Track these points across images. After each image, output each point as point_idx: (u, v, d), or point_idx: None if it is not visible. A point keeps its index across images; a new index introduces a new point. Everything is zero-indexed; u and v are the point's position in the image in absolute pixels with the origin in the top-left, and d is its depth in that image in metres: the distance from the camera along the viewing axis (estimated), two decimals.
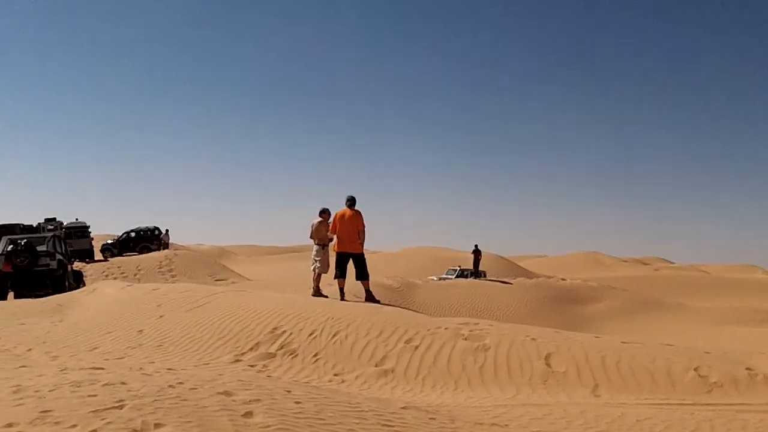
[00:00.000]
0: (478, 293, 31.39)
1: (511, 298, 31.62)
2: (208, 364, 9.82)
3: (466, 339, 9.66)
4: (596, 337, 10.78)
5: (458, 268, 40.84)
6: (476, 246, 38.89)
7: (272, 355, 10.07)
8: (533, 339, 9.55)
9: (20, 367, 8.82)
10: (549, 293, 33.71)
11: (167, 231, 48.48)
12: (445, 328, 10.10)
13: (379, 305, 12.88)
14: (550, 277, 43.57)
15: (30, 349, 11.27)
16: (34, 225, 46.87)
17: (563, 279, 41.59)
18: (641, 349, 9.28)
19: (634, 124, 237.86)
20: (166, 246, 47.36)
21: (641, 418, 6.98)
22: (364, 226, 13.73)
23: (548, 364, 8.86)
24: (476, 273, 38.26)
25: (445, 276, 40.04)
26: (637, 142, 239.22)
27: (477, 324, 10.45)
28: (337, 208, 13.96)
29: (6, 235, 31.15)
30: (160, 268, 38.64)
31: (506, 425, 6.55)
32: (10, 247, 23.56)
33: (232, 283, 36.04)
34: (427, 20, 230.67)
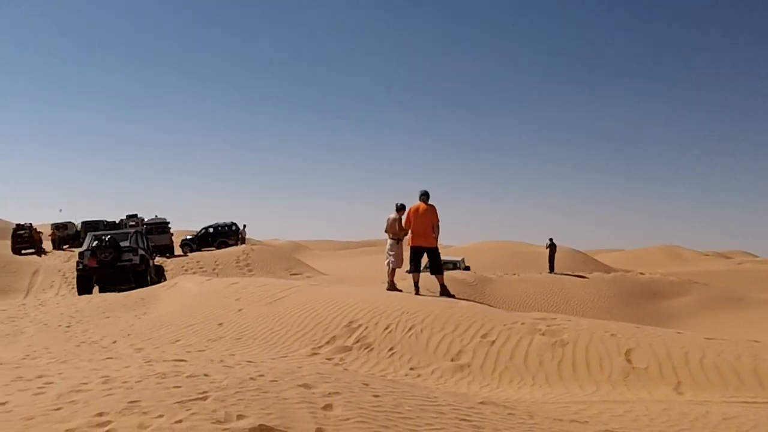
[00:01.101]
0: (554, 288, 30.98)
1: (588, 293, 31.10)
2: (286, 356, 9.96)
3: (543, 334, 9.57)
4: (678, 332, 10.52)
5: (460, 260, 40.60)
6: (551, 240, 38.41)
7: (348, 349, 10.16)
8: (612, 335, 9.38)
9: (107, 358, 9.12)
10: (627, 288, 33.01)
11: (244, 226, 49.27)
12: (522, 323, 10.01)
13: (454, 300, 12.86)
14: (627, 272, 42.67)
15: (115, 341, 11.65)
16: (117, 221, 48.40)
17: (641, 273, 40.62)
18: (726, 346, 9.00)
19: (719, 114, 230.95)
20: (243, 241, 48.12)
21: (727, 416, 6.78)
22: (438, 221, 13.69)
23: (629, 361, 8.69)
24: (551, 267, 37.78)
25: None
26: (719, 133, 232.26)
27: (554, 319, 10.33)
28: (411, 203, 13.97)
29: (90, 231, 32.24)
30: (237, 262, 39.30)
31: (586, 422, 6.46)
32: (95, 243, 24.29)
33: (307, 277, 36.44)
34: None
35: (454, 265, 39.41)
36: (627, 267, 58.23)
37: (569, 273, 36.88)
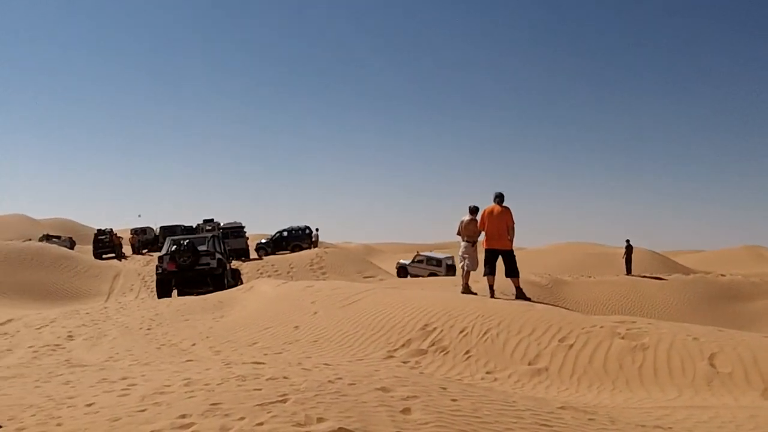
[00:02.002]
0: (632, 290, 30.35)
1: (667, 296, 30.37)
2: (362, 359, 9.99)
3: (622, 338, 9.36)
4: (765, 336, 10.16)
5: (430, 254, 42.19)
6: (628, 241, 37.74)
7: (424, 352, 10.13)
8: (695, 338, 9.12)
9: (187, 361, 9.31)
10: (707, 290, 32.09)
11: (317, 230, 49.74)
12: (601, 327, 9.82)
13: (530, 303, 12.71)
14: (707, 273, 41.53)
15: (194, 344, 11.87)
16: (194, 226, 49.42)
17: (722, 275, 39.46)
18: None
19: None
20: (316, 244, 48.57)
21: None
22: (513, 222, 13.56)
23: (712, 365, 8.44)
24: (628, 269, 37.07)
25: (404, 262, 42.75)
26: None
27: (634, 322, 10.11)
28: (484, 205, 13.87)
29: (168, 236, 32.96)
30: (311, 265, 39.68)
31: (670, 428, 6.30)
32: (173, 248, 24.82)
33: (380, 280, 36.52)
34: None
35: (438, 263, 40.22)
36: (707, 268, 56.74)
37: (647, 275, 36.10)
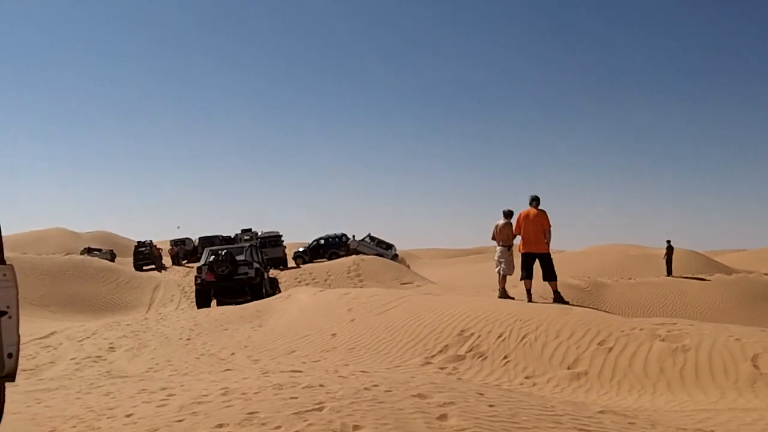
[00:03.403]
0: (673, 291, 29.95)
1: (709, 296, 29.90)
2: (399, 366, 9.98)
3: (663, 340, 9.23)
4: None
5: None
6: (668, 242, 37.30)
7: (461, 358, 10.09)
8: (737, 339, 8.96)
9: (226, 370, 9.39)
10: (750, 289, 31.52)
11: (354, 237, 49.82)
12: (640, 329, 9.70)
13: (568, 306, 12.59)
14: (750, 272, 40.82)
15: (233, 353, 11.96)
16: (232, 236, 49.83)
17: (766, 274, 38.78)
18: None
19: None
20: (353, 252, 48.66)
21: None
22: (549, 225, 13.46)
23: (756, 366, 8.27)
24: (669, 270, 36.61)
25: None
26: None
27: (674, 324, 9.96)
28: (518, 209, 13.80)
29: (207, 246, 33.25)
30: (348, 273, 39.73)
31: (711, 431, 6.19)
32: (212, 258, 25.01)
33: (417, 286, 36.45)
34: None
35: (387, 247, 44.91)
36: (750, 267, 55.70)
37: (688, 276, 35.58)
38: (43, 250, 53.76)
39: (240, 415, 5.02)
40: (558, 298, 13.77)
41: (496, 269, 14.45)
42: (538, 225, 13.38)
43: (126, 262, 51.44)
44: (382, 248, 47.85)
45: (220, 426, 4.81)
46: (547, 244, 13.53)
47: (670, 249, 37.32)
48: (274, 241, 45.94)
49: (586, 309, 13.15)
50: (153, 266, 48.45)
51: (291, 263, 46.56)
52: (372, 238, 49.06)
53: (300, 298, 17.38)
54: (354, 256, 45.49)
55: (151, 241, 50.43)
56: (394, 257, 46.93)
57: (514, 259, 14.19)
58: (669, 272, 36.42)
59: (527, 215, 13.49)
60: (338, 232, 50.29)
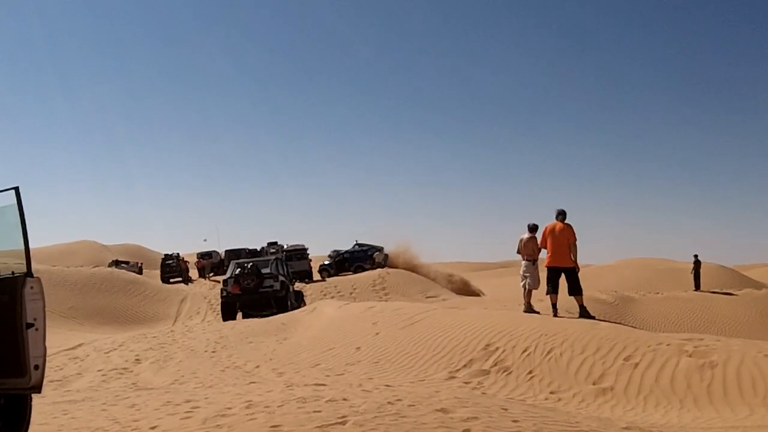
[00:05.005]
0: (700, 306, 29.62)
1: (737, 311, 29.53)
2: (423, 380, 9.95)
3: (690, 355, 9.13)
4: None
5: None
6: (696, 257, 36.95)
7: (486, 372, 10.04)
8: (766, 355, 8.84)
9: (250, 383, 9.41)
10: None
11: (382, 250, 49.73)
12: (667, 344, 9.60)
13: (595, 321, 12.50)
14: None
15: (258, 366, 11.99)
16: (258, 249, 50.03)
17: None
18: None
19: None
20: (379, 265, 48.59)
21: None
22: (575, 239, 13.37)
23: None
24: (697, 285, 36.26)
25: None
26: None
27: (702, 339, 9.85)
28: (543, 223, 13.72)
29: (233, 259, 33.40)
30: (373, 286, 39.71)
31: None
32: (237, 271, 25.12)
33: (443, 300, 36.35)
34: None
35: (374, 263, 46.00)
36: None
37: (716, 290, 35.20)
38: (72, 263, 54.29)
39: (263, 429, 5.03)
40: (584, 313, 13.64)
41: (522, 284, 14.37)
42: (563, 239, 13.29)
43: (153, 275, 51.83)
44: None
45: None
46: (573, 258, 13.44)
47: (697, 263, 36.94)
48: (299, 254, 46.05)
49: (613, 324, 13.01)
50: (180, 279, 48.77)
51: (316, 276, 46.65)
52: (361, 246, 49.57)
53: (325, 312, 17.39)
54: (379, 269, 45.45)
55: (178, 254, 50.80)
56: (385, 258, 47.60)
57: (540, 274, 14.11)
58: (697, 287, 36.05)
59: (553, 229, 13.40)
60: (357, 243, 50.28)
